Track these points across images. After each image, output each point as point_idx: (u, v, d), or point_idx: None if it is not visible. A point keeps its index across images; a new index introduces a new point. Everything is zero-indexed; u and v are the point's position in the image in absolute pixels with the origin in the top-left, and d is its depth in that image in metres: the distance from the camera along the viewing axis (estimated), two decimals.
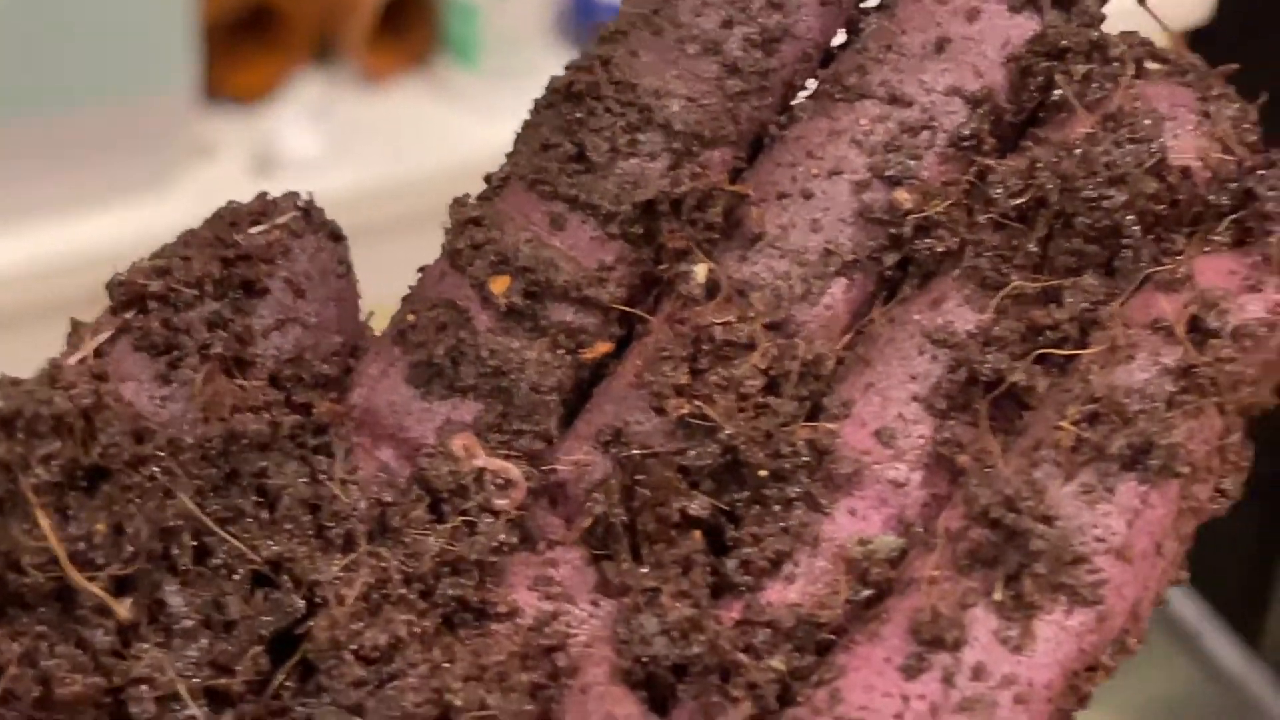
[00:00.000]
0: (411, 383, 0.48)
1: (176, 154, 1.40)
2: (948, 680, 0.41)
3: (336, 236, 0.49)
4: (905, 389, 0.46)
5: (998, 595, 0.42)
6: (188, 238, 0.47)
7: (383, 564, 0.44)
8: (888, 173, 0.48)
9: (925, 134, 0.48)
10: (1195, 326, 0.43)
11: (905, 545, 0.44)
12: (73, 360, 0.45)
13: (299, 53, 1.53)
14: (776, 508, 0.45)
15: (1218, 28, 1.61)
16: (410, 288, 0.50)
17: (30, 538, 0.40)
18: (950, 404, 0.46)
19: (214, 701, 0.42)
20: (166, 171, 1.40)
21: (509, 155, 0.50)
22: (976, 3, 0.48)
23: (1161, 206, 0.45)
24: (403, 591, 0.43)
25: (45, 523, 0.40)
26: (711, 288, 0.48)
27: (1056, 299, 0.46)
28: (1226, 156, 0.46)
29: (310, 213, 0.48)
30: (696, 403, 0.46)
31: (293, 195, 0.48)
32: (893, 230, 0.48)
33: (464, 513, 0.45)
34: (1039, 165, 0.46)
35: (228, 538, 0.42)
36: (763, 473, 0.45)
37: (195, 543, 0.42)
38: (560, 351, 0.48)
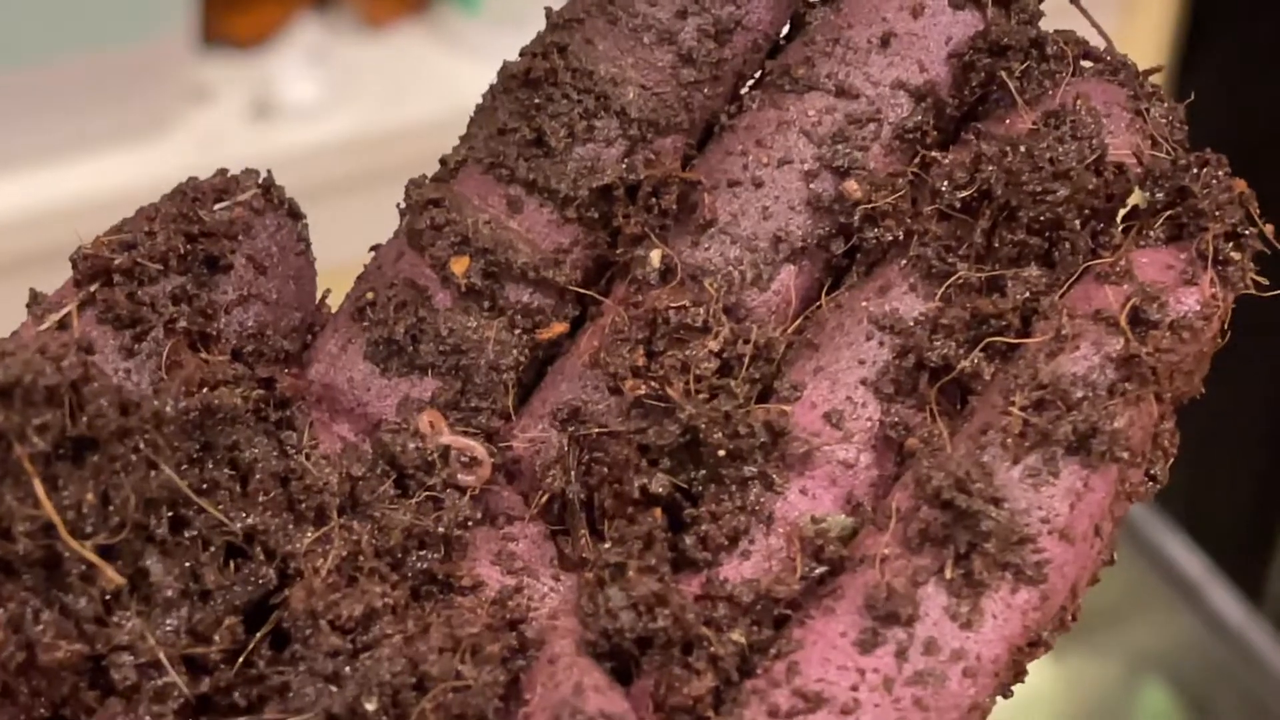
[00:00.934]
0: (371, 359, 0.49)
1: (174, 99, 1.39)
2: (901, 654, 0.43)
3: (295, 214, 0.49)
4: (854, 373, 0.48)
5: (948, 573, 0.43)
6: (150, 213, 0.47)
7: (354, 537, 0.44)
8: (836, 163, 0.50)
9: (871, 126, 0.50)
10: (1136, 318, 0.45)
11: (857, 524, 0.46)
12: (36, 331, 0.46)
13: None
14: (733, 487, 0.47)
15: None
16: (365, 266, 0.51)
17: (24, 505, 0.40)
18: (897, 388, 0.48)
19: (192, 669, 0.42)
20: (164, 117, 1.38)
21: (463, 139, 0.51)
22: None
23: (1099, 201, 0.47)
24: (374, 564, 0.44)
25: (42, 492, 0.40)
26: (665, 272, 0.49)
27: (999, 288, 0.47)
28: (1158, 154, 0.48)
29: (271, 190, 0.49)
30: (653, 383, 0.47)
31: (253, 172, 0.49)
32: (841, 219, 0.49)
33: (428, 488, 0.46)
34: (984, 159, 0.48)
35: (210, 509, 0.43)
36: (721, 452, 0.46)
37: (171, 514, 0.43)
38: (517, 331, 0.49)
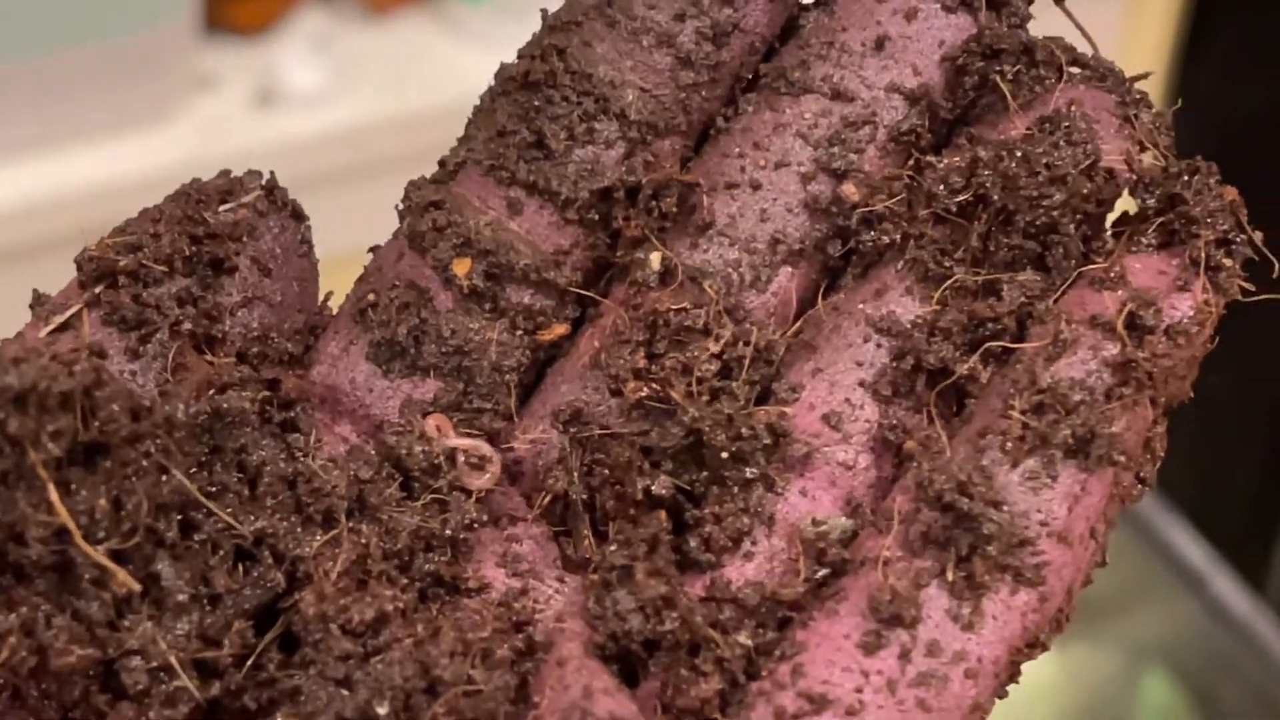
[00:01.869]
0: (373, 361, 0.50)
1: (178, 87, 1.38)
2: (904, 656, 0.43)
3: (299, 216, 0.50)
4: (852, 375, 0.48)
5: (950, 575, 0.44)
6: (155, 214, 0.47)
7: (363, 540, 0.45)
8: (833, 165, 0.50)
9: (867, 128, 0.50)
10: (1132, 323, 0.46)
11: (856, 526, 0.46)
12: (43, 334, 0.46)
13: None
14: (736, 488, 0.47)
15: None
16: (365, 267, 0.51)
17: (38, 511, 0.40)
18: (894, 390, 0.48)
19: (202, 673, 0.43)
20: (168, 104, 1.37)
21: (462, 140, 0.51)
22: (914, 2, 0.50)
23: (1091, 206, 0.48)
24: (383, 567, 0.45)
25: (56, 497, 0.40)
26: (664, 274, 0.50)
27: (995, 292, 0.48)
28: (1149, 160, 0.49)
29: (274, 192, 0.49)
30: (655, 385, 0.48)
31: (257, 174, 0.49)
32: (838, 221, 0.50)
33: (434, 491, 0.47)
34: (980, 164, 0.48)
35: (220, 514, 0.43)
36: (725, 454, 0.47)
37: (181, 518, 0.43)
38: (519, 333, 0.50)
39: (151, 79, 1.34)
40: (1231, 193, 0.48)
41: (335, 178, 1.31)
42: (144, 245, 0.47)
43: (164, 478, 0.42)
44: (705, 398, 0.48)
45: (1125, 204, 0.49)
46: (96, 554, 0.41)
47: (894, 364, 0.48)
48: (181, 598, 0.43)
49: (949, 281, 0.48)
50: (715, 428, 0.47)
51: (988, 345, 0.47)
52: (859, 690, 0.43)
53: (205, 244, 0.47)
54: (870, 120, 0.50)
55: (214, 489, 0.44)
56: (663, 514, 0.46)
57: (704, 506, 0.47)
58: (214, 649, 0.43)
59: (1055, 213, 0.47)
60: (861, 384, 0.48)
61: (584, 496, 0.48)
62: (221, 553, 0.44)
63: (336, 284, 0.51)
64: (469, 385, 0.49)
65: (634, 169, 0.50)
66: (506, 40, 0.52)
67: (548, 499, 0.49)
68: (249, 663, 0.43)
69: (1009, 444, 0.45)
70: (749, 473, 0.47)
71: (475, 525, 0.47)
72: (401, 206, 0.50)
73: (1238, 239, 0.47)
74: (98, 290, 0.46)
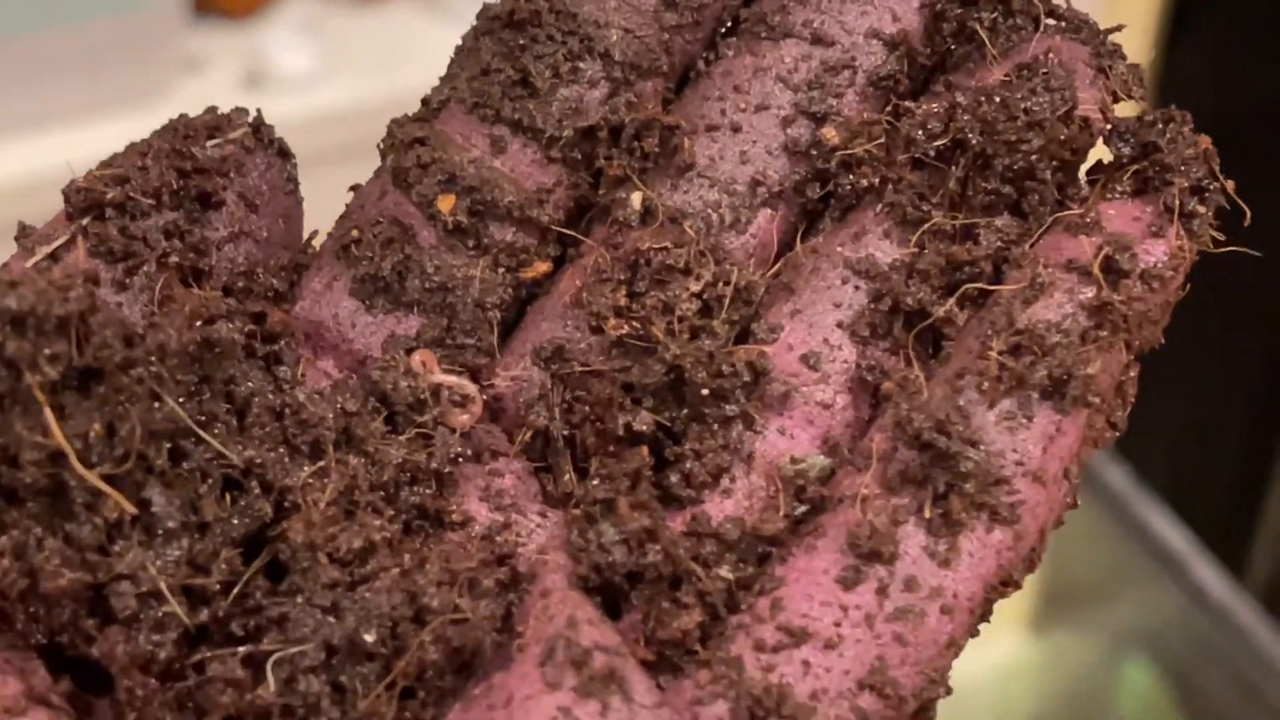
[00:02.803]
0: (356, 296, 0.50)
1: (166, 69, 1.37)
2: (882, 591, 0.44)
3: (285, 154, 0.50)
4: (830, 316, 0.49)
5: (927, 513, 0.45)
6: (143, 148, 0.48)
7: (350, 472, 0.45)
8: (812, 109, 0.51)
9: (846, 73, 0.51)
10: (1107, 268, 0.46)
11: (834, 465, 0.47)
12: (30, 264, 0.46)
13: None
14: (715, 425, 0.48)
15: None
16: (347, 205, 0.51)
17: (33, 434, 0.41)
18: (872, 331, 0.49)
19: (190, 599, 0.43)
20: (156, 86, 1.36)
21: (444, 78, 0.51)
22: None
23: (1068, 153, 0.48)
24: (370, 498, 0.45)
25: (53, 420, 0.40)
26: (645, 214, 0.50)
27: (973, 236, 0.48)
28: (1121, 109, 0.50)
29: (261, 129, 0.49)
30: (635, 323, 0.48)
31: (243, 111, 0.49)
32: (818, 164, 0.50)
33: (419, 425, 0.47)
34: (959, 109, 0.49)
35: (212, 441, 0.43)
36: (705, 391, 0.47)
37: (170, 446, 0.43)
38: (502, 270, 0.50)
39: (140, 61, 1.34)
40: (1205, 141, 0.49)
41: (324, 160, 1.31)
42: (131, 178, 0.47)
43: (156, 405, 0.42)
44: (686, 336, 0.48)
45: (1100, 153, 0.50)
46: (92, 476, 0.41)
47: (872, 306, 0.49)
48: (171, 525, 0.43)
49: (927, 225, 0.49)
50: (696, 365, 0.48)
51: (965, 288, 0.48)
52: (837, 624, 0.44)
53: (192, 178, 0.47)
54: (850, 65, 0.51)
55: (203, 418, 0.44)
56: (644, 449, 0.47)
57: (684, 443, 0.48)
58: (202, 576, 0.43)
59: (1033, 158, 0.48)
60: (840, 325, 0.49)
61: (565, 433, 0.49)
62: (210, 481, 0.44)
63: (319, 237, 0.52)
64: (452, 321, 0.50)
65: (617, 109, 0.50)
66: None
67: (529, 435, 0.49)
68: (236, 590, 0.44)
69: (986, 384, 0.45)
70: (729, 410, 0.48)
71: (459, 460, 0.47)
72: (383, 144, 0.51)
73: (1211, 186, 0.48)
74: (84, 222, 0.46)
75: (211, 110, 0.49)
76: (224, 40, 1.45)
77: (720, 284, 0.49)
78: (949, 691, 0.45)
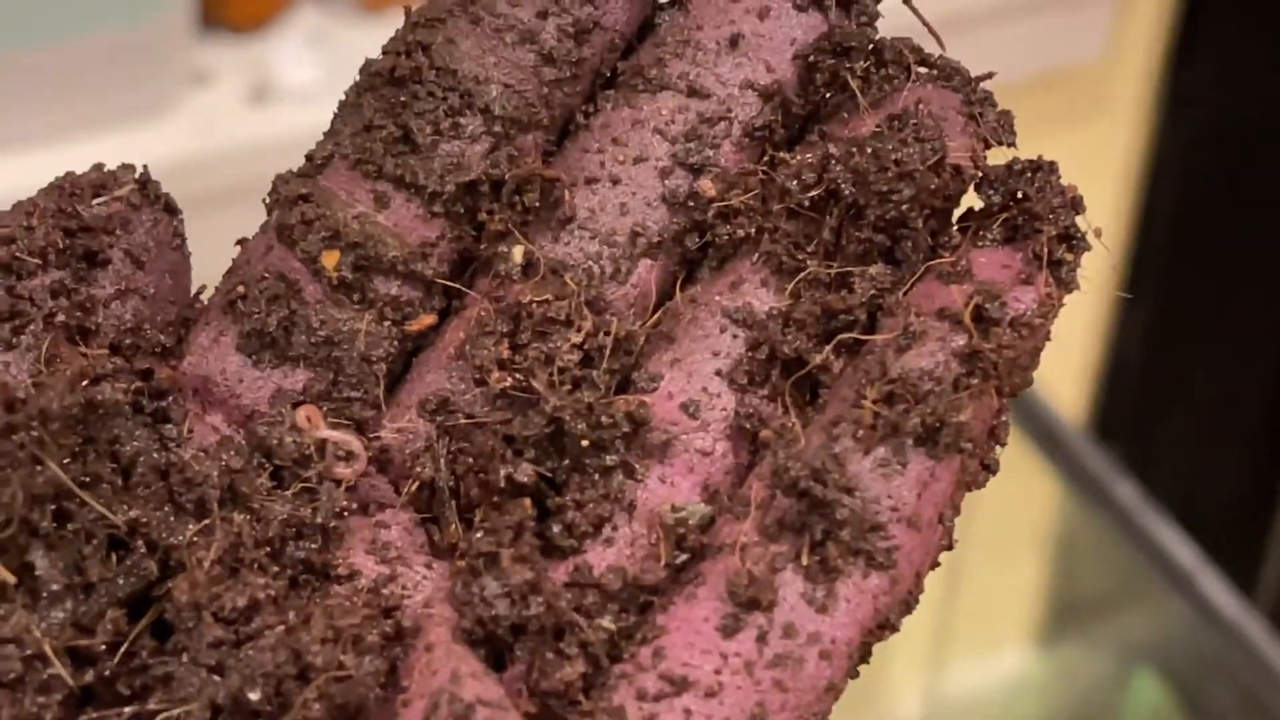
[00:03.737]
0: (243, 351, 0.50)
1: (173, 82, 1.36)
2: (761, 639, 0.45)
3: (171, 209, 0.50)
4: (709, 364, 0.50)
5: (804, 560, 0.45)
6: (29, 207, 0.48)
7: (235, 529, 0.46)
8: (690, 160, 0.51)
9: (722, 124, 0.52)
10: (978, 315, 0.48)
11: (714, 512, 0.48)
12: None
13: None
14: (596, 475, 0.49)
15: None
16: (233, 260, 0.52)
17: None
18: (750, 379, 0.50)
19: (76, 661, 0.43)
20: (163, 100, 1.35)
21: (328, 134, 0.52)
22: (767, 1, 0.52)
23: (938, 201, 0.50)
24: (255, 555, 0.45)
25: None
26: (527, 266, 0.51)
27: (847, 285, 0.49)
28: (991, 158, 0.51)
29: (147, 185, 0.50)
30: (518, 375, 0.49)
31: (130, 168, 0.50)
32: (696, 214, 0.51)
33: (304, 480, 0.48)
34: (832, 159, 0.50)
35: (94, 504, 0.44)
36: (585, 442, 0.48)
37: (54, 508, 0.44)
38: (387, 323, 0.51)
39: (146, 74, 1.32)
40: (1073, 189, 0.50)
41: None
42: (17, 238, 0.47)
43: (38, 469, 0.43)
44: (567, 387, 0.49)
45: (972, 199, 0.51)
46: None
47: (750, 354, 0.50)
48: (56, 587, 0.43)
49: (802, 274, 0.50)
50: (576, 416, 0.48)
51: (840, 337, 0.49)
52: (718, 672, 0.45)
53: (79, 237, 0.48)
54: (725, 116, 0.52)
55: (88, 479, 0.45)
56: (528, 502, 0.48)
57: (566, 493, 0.49)
58: (88, 637, 0.43)
59: (904, 207, 0.49)
60: (718, 373, 0.50)
61: (450, 484, 0.49)
62: (95, 542, 0.44)
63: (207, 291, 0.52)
64: (338, 375, 0.50)
65: (498, 163, 0.51)
66: None
67: (415, 486, 0.50)
68: (122, 650, 0.44)
69: (861, 432, 0.46)
70: (609, 460, 0.49)
71: (344, 513, 0.48)
72: (269, 200, 0.51)
73: (1079, 234, 0.49)
74: None
75: (98, 167, 0.50)
76: (231, 54, 1.44)
77: (601, 334, 0.50)
78: None
